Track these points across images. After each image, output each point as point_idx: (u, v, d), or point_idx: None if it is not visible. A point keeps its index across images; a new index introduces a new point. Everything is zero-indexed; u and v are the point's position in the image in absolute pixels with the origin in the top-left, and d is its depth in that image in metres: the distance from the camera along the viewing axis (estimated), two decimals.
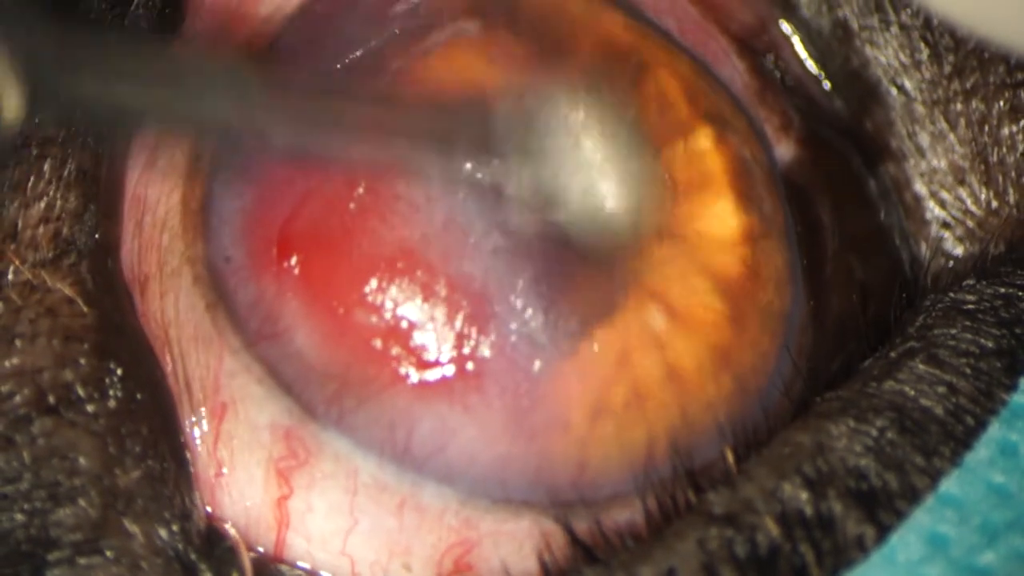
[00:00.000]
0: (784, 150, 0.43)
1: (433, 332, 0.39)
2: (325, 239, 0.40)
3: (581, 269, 0.40)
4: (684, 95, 0.41)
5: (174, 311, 0.41)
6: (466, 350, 0.39)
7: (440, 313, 0.39)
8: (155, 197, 0.41)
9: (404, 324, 0.39)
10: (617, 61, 0.41)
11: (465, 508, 0.40)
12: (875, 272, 0.43)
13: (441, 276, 0.39)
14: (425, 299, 0.39)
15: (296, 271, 0.40)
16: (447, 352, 0.39)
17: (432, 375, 0.39)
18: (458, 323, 0.39)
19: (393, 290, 0.39)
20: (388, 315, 0.39)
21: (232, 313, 0.40)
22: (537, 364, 0.39)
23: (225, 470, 0.40)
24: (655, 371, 0.40)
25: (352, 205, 0.40)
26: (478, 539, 0.40)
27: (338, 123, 0.36)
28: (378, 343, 0.39)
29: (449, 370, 0.39)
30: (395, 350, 0.39)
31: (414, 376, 0.39)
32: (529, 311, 0.39)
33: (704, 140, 0.41)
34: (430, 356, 0.39)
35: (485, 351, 0.39)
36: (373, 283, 0.39)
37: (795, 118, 0.43)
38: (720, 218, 0.41)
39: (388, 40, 0.41)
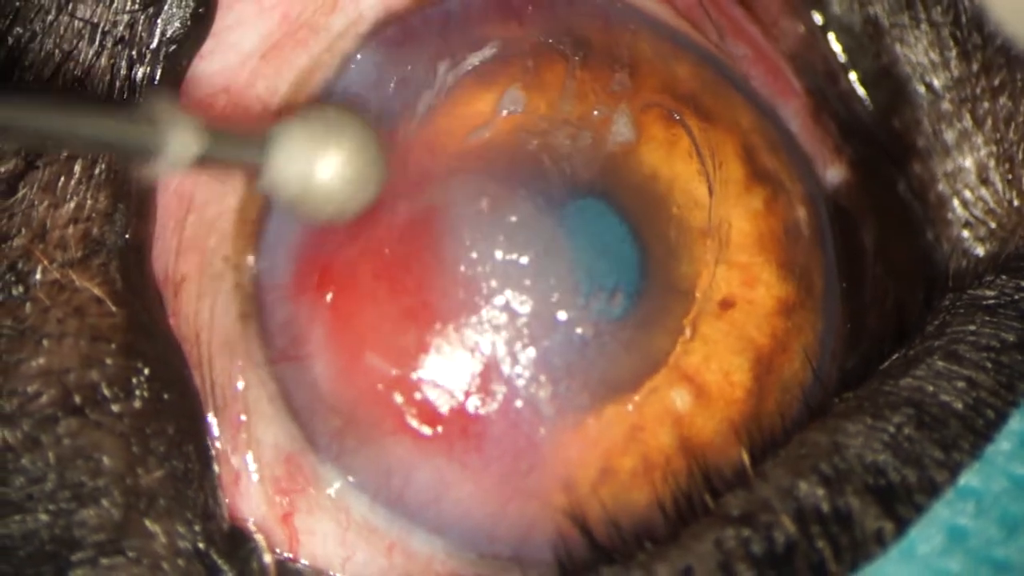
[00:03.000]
0: (835, 172, 0.43)
1: (441, 388, 0.39)
2: (361, 279, 0.40)
3: (605, 345, 0.39)
4: (742, 152, 0.41)
5: (208, 314, 0.41)
6: (470, 410, 0.39)
7: (451, 371, 0.39)
8: (204, 198, 0.41)
9: (415, 376, 0.39)
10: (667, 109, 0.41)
11: (451, 559, 0.40)
12: (911, 289, 0.43)
13: (456, 334, 0.39)
14: (439, 355, 0.39)
15: (330, 302, 0.40)
16: (452, 410, 0.39)
17: (434, 430, 0.39)
18: (467, 383, 0.39)
19: (409, 340, 0.39)
20: (400, 364, 0.39)
21: (262, 327, 0.40)
22: (541, 432, 0.39)
23: (241, 478, 0.40)
24: (667, 444, 0.40)
25: (386, 249, 0.40)
26: None
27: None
28: (387, 389, 0.40)
29: (451, 427, 0.39)
30: (402, 400, 0.39)
31: (417, 428, 0.39)
32: (539, 380, 0.39)
33: (758, 200, 0.41)
34: (435, 411, 0.39)
35: (489, 414, 0.39)
36: (392, 330, 0.40)
37: (846, 141, 0.43)
38: (762, 289, 0.41)
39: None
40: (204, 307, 0.41)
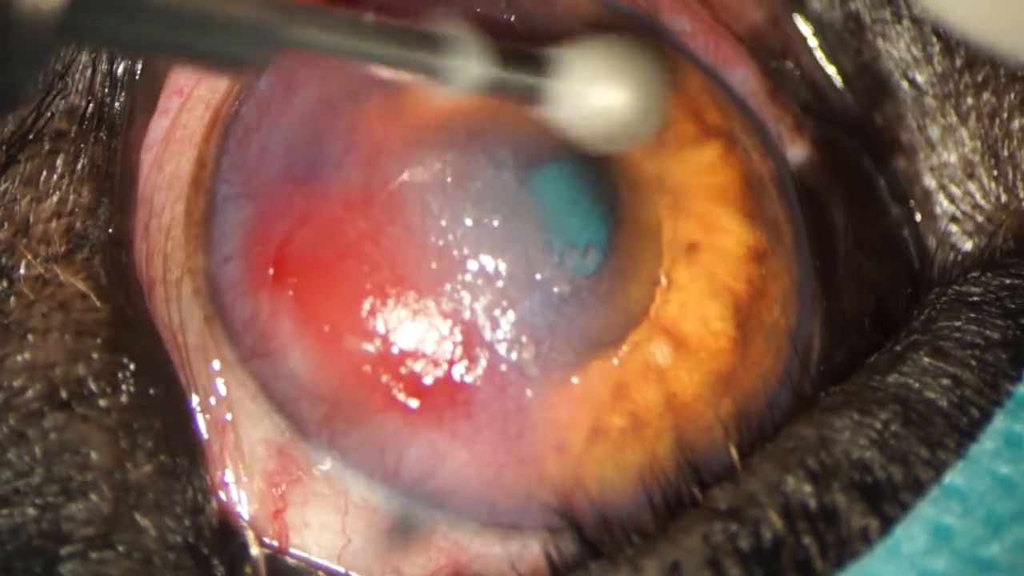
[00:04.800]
0: (798, 151, 0.43)
1: (423, 359, 0.39)
2: (320, 261, 0.40)
3: (584, 301, 0.39)
4: (690, 109, 0.41)
5: (178, 318, 0.41)
6: (456, 378, 0.39)
7: (431, 340, 0.39)
8: (161, 203, 0.41)
9: (395, 350, 0.39)
10: None
11: (454, 531, 0.40)
12: (886, 271, 0.43)
13: (433, 304, 0.39)
14: (416, 326, 0.39)
15: (291, 292, 0.40)
16: (437, 380, 0.39)
17: (422, 402, 0.39)
18: (448, 351, 0.39)
19: (385, 316, 0.39)
20: (379, 341, 0.39)
21: (228, 328, 0.40)
22: (528, 393, 0.39)
23: (230, 476, 0.40)
24: (654, 400, 0.40)
25: (348, 228, 0.40)
26: (467, 561, 0.40)
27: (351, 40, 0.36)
28: (368, 368, 0.39)
29: (438, 397, 0.39)
30: (385, 376, 0.39)
31: (404, 402, 0.39)
32: (522, 342, 0.39)
33: (710, 155, 0.41)
34: (420, 383, 0.39)
35: (475, 380, 0.39)
36: (365, 308, 0.39)
37: (808, 119, 0.43)
38: (728, 237, 0.41)
39: None
40: (173, 311, 0.41)
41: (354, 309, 0.39)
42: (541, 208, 0.39)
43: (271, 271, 0.40)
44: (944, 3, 0.34)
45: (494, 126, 0.40)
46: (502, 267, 0.39)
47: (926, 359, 0.37)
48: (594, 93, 0.37)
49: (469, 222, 0.39)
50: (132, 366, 0.39)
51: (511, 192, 0.39)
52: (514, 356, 0.39)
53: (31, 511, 0.37)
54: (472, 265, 0.39)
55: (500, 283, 0.39)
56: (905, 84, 0.42)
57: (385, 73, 0.36)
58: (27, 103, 0.39)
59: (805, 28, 0.43)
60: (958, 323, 0.37)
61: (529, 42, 0.40)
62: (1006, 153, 0.42)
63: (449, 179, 0.39)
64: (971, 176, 0.42)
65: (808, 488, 0.35)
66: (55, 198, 0.39)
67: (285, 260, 0.40)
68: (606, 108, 0.37)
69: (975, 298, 0.38)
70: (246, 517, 0.40)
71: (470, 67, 0.36)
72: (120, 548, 0.38)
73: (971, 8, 0.33)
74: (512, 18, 0.41)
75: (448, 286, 0.39)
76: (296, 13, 0.34)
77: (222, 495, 0.40)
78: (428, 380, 0.39)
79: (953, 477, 0.34)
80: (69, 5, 0.31)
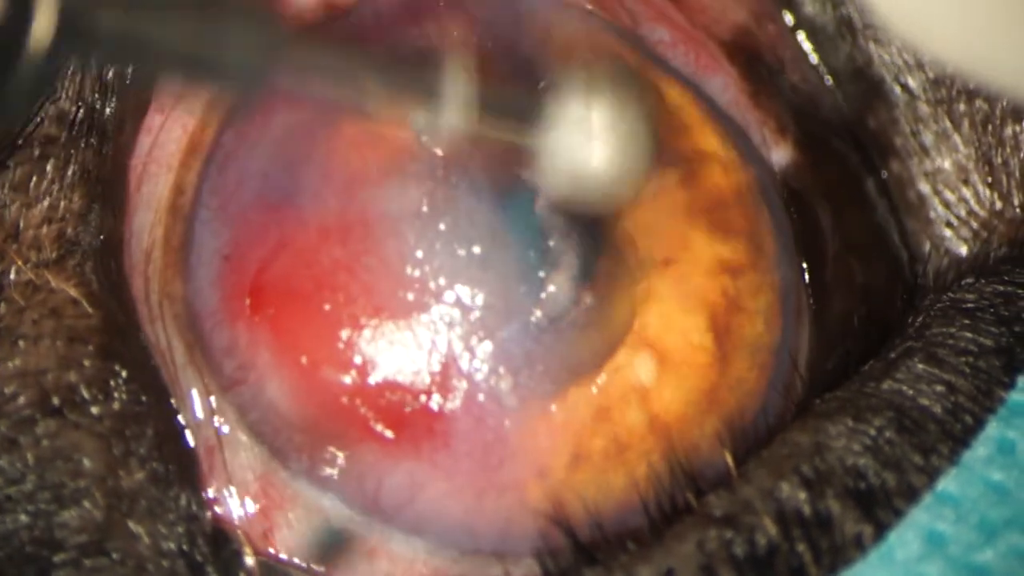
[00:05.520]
0: (782, 153, 0.43)
1: (401, 390, 0.39)
2: (296, 291, 0.40)
3: (562, 328, 0.39)
4: (668, 129, 0.41)
5: (165, 340, 0.41)
6: (434, 408, 0.39)
7: (408, 371, 0.39)
8: (140, 226, 0.41)
9: (372, 381, 0.39)
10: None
11: (434, 559, 0.40)
12: (876, 273, 0.43)
13: (410, 334, 0.39)
14: (393, 357, 0.39)
15: (267, 322, 0.40)
16: (414, 410, 0.39)
17: (399, 432, 0.39)
18: (426, 382, 0.39)
19: (362, 347, 0.39)
20: (356, 372, 0.39)
21: (208, 356, 0.40)
22: (506, 423, 0.39)
23: (219, 491, 0.40)
24: (637, 421, 0.40)
25: (324, 258, 0.40)
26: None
27: (351, 70, 0.36)
28: (346, 399, 0.39)
29: (416, 428, 0.39)
30: (363, 407, 0.39)
31: (381, 432, 0.39)
32: (499, 372, 0.39)
33: (676, 175, 0.41)
34: (397, 413, 0.39)
35: (452, 410, 0.39)
36: (343, 339, 0.39)
37: (791, 121, 0.43)
38: (698, 252, 0.40)
39: None
40: (159, 332, 0.41)
41: (331, 340, 0.39)
42: (517, 236, 0.39)
43: (248, 301, 0.40)
44: (912, 28, 0.33)
45: (470, 154, 0.40)
46: (479, 297, 0.39)
47: (920, 366, 0.37)
48: (576, 149, 0.36)
49: (445, 252, 0.39)
50: (124, 373, 0.39)
51: (488, 221, 0.39)
52: (492, 386, 0.39)
53: (24, 518, 0.37)
54: (449, 295, 0.39)
55: (477, 313, 0.39)
56: (898, 89, 0.42)
57: (371, 111, 0.36)
58: (17, 124, 0.39)
59: (798, 32, 0.43)
60: (952, 330, 0.37)
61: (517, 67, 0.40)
62: (999, 160, 0.42)
63: (425, 208, 0.39)
64: (965, 182, 0.42)
65: (802, 495, 0.35)
66: (45, 203, 0.39)
67: (262, 290, 0.40)
68: (586, 166, 0.36)
69: (969, 305, 0.38)
70: (244, 525, 0.40)
71: (454, 117, 0.35)
72: (114, 555, 0.38)
73: (940, 33, 0.33)
74: (490, 44, 0.41)
75: (425, 316, 0.39)
76: (287, 37, 0.34)
77: (217, 509, 0.40)
78: (406, 410, 0.39)
79: (946, 484, 0.34)
80: (59, 31, 0.31)
